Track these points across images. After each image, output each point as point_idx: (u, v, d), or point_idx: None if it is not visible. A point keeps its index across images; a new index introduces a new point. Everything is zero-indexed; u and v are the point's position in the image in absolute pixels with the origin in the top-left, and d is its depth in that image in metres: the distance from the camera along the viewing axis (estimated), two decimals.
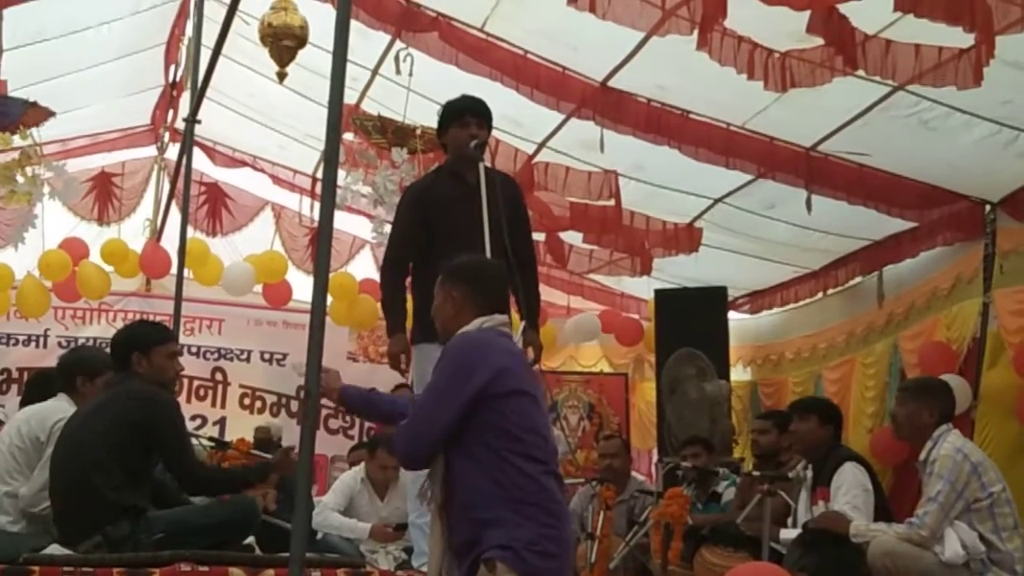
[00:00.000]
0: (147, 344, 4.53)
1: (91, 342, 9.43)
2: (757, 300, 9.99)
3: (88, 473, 4.19)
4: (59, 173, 7.26)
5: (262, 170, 10.34)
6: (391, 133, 7.18)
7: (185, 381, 9.99)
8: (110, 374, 5.05)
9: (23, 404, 5.41)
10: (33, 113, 6.70)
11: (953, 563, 4.60)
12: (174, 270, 7.98)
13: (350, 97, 7.46)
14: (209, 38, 6.69)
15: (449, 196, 4.77)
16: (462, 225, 4.59)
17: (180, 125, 8.46)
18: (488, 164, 4.86)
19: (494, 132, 5.44)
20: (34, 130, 6.98)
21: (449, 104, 4.92)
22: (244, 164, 10.34)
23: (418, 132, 7.03)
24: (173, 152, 9.84)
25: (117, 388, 4.47)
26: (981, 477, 4.75)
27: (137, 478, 4.27)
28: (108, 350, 4.69)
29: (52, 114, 6.80)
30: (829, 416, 5.65)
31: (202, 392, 10.35)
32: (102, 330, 9.82)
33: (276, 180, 10.40)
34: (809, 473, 5.56)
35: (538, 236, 8.90)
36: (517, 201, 4.97)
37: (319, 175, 9.42)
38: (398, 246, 4.89)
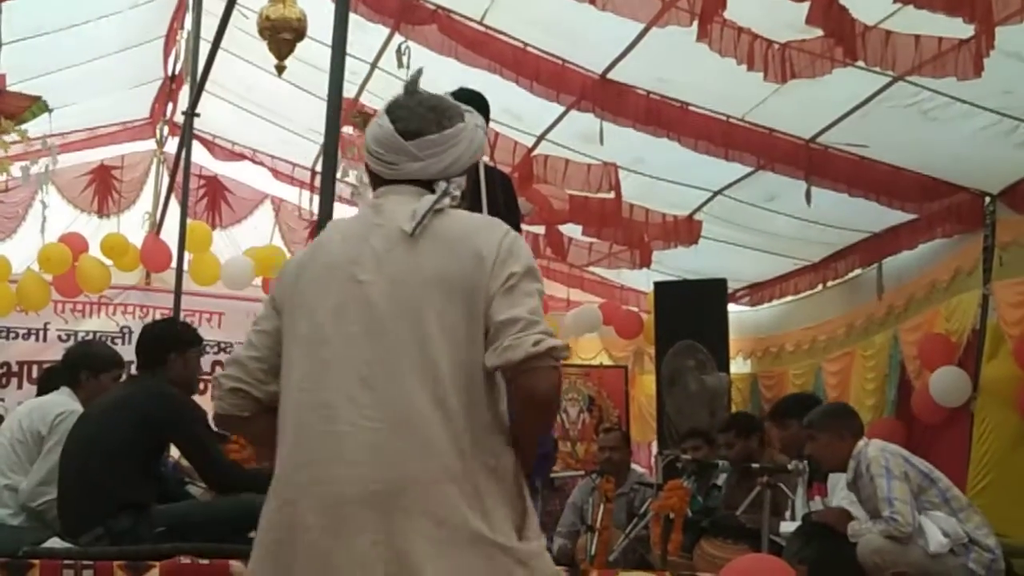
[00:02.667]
0: (184, 344, 4.51)
1: (91, 335, 9.44)
2: (757, 292, 9.98)
3: (96, 466, 4.16)
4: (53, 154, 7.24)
5: (261, 163, 10.34)
6: None
7: None
8: (116, 371, 5.04)
9: None
10: (10, 99, 6.62)
11: (939, 553, 4.61)
12: (174, 263, 7.97)
13: (349, 91, 7.44)
14: (208, 31, 6.69)
15: None
16: None
17: (179, 118, 8.45)
18: (487, 157, 4.87)
19: (493, 124, 5.44)
20: (45, 119, 6.92)
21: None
22: (243, 157, 10.33)
23: None
24: (172, 145, 9.83)
25: (140, 384, 4.46)
26: (915, 465, 4.80)
27: (146, 475, 4.26)
28: (136, 346, 4.61)
29: (35, 99, 6.73)
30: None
31: (202, 386, 10.28)
32: (102, 323, 9.82)
33: (275, 173, 10.39)
34: (804, 465, 5.54)
35: (538, 229, 8.90)
36: (510, 195, 5.00)
37: (318, 168, 9.42)
38: None
